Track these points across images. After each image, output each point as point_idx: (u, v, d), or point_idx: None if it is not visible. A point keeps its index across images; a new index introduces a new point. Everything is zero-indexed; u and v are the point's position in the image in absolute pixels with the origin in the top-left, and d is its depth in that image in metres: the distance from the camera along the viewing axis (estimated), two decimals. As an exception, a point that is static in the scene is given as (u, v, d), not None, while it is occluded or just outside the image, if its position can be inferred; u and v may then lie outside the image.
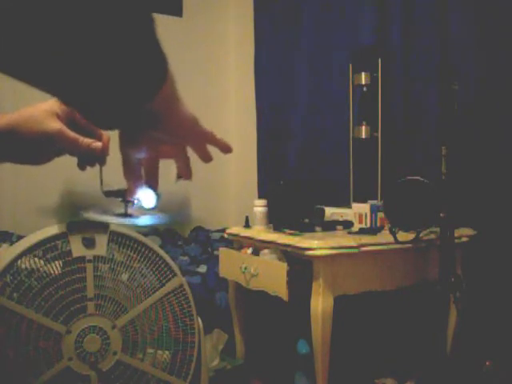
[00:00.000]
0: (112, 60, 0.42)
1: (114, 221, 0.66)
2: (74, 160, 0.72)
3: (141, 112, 0.50)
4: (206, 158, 0.62)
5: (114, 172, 0.65)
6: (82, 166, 0.72)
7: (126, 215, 0.65)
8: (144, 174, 0.61)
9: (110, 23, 0.41)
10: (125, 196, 0.63)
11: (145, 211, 0.64)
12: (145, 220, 0.65)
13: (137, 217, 0.65)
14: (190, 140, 0.59)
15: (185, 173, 0.63)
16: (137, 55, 0.44)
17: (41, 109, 0.67)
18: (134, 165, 0.59)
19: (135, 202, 0.62)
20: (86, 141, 0.68)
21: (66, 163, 0.79)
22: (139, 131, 0.55)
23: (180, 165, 0.62)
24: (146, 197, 0.61)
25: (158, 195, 0.62)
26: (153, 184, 0.61)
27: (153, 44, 0.46)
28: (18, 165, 0.70)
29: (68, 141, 0.67)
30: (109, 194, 0.69)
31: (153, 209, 0.63)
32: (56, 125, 0.66)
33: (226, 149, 0.64)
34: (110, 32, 0.41)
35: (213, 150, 0.62)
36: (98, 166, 0.71)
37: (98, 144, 0.69)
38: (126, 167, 0.58)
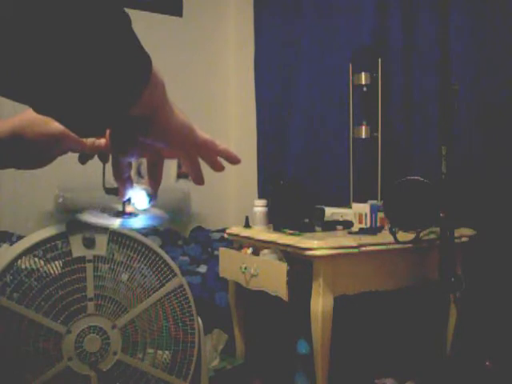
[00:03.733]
0: (86, 62, 0.40)
1: (108, 222, 0.65)
2: (70, 157, 0.71)
3: (127, 118, 0.47)
4: (216, 166, 0.61)
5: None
6: (83, 160, 0.71)
7: (124, 214, 0.65)
8: (147, 175, 0.60)
9: (82, 22, 0.38)
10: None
11: (142, 211, 0.63)
12: (141, 221, 0.64)
13: (135, 215, 0.65)
14: (187, 148, 0.58)
15: (194, 178, 0.60)
16: (112, 55, 0.41)
17: None
18: (123, 167, 0.56)
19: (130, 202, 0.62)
20: (90, 139, 0.68)
21: (63, 161, 0.78)
22: (128, 137, 0.53)
23: (190, 170, 0.60)
24: (138, 198, 0.61)
25: (152, 196, 0.61)
26: (153, 186, 0.60)
27: (129, 43, 0.43)
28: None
29: (73, 140, 0.67)
30: (109, 191, 0.69)
31: (145, 210, 0.62)
32: (60, 126, 0.65)
33: (231, 159, 0.62)
34: (83, 32, 0.39)
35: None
36: (98, 162, 0.71)
37: (102, 141, 0.69)
38: (114, 169, 0.57)
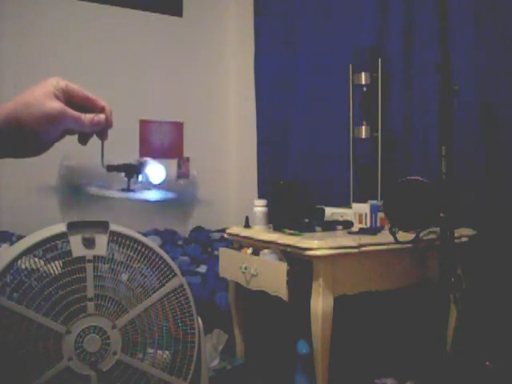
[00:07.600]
0: None
1: (117, 195, 0.66)
2: (68, 138, 0.71)
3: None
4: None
5: (114, 147, 0.64)
6: (83, 140, 0.70)
7: (128, 190, 0.65)
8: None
9: None
10: (128, 171, 0.63)
11: (149, 187, 0.63)
12: (151, 194, 0.65)
13: (140, 192, 0.65)
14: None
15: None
16: None
17: (37, 92, 0.64)
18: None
19: (141, 177, 0.62)
20: (89, 116, 0.67)
21: (63, 141, 0.79)
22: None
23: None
24: (154, 172, 0.61)
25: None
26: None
27: None
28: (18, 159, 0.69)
29: (71, 119, 0.66)
30: (111, 168, 0.69)
31: (159, 184, 0.62)
32: (57, 105, 0.64)
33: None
34: None
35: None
36: (98, 141, 0.70)
37: (101, 116, 0.68)
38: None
